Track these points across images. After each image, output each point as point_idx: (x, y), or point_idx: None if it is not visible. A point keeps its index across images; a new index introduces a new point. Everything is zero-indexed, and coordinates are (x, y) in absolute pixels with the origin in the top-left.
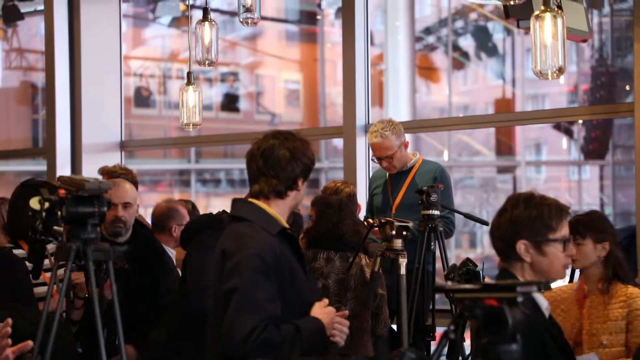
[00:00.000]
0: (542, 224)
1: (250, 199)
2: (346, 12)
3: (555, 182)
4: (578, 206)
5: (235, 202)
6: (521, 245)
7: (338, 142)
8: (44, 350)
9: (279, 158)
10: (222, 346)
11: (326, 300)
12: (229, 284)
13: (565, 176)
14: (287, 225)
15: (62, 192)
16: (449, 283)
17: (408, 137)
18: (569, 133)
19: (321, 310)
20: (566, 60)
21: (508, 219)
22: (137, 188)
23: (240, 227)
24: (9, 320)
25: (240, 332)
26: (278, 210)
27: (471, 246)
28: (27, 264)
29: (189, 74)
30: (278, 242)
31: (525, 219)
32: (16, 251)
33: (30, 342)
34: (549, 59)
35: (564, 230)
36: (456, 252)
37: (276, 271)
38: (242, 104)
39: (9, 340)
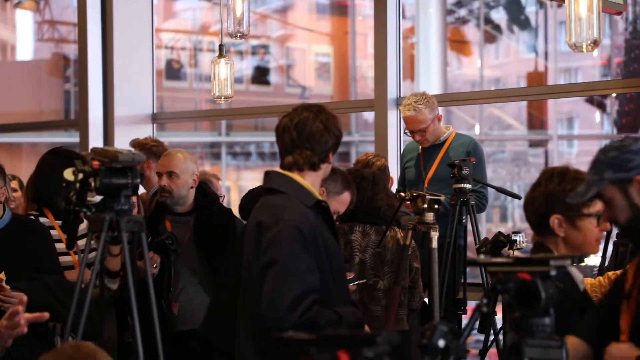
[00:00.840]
0: None
1: (283, 171)
2: None
3: (587, 156)
4: None
5: (268, 174)
6: (555, 220)
7: (368, 116)
8: (76, 324)
9: (313, 131)
10: (265, 320)
11: None
12: (267, 257)
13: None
14: (320, 197)
15: (95, 163)
16: (481, 257)
17: (439, 110)
18: (601, 107)
19: None
20: (601, 33)
21: (542, 193)
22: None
23: (275, 199)
24: (24, 299)
25: (284, 303)
26: (311, 181)
27: (502, 220)
28: (55, 232)
29: (220, 46)
30: (313, 214)
31: (560, 193)
32: (42, 219)
33: (46, 314)
34: (584, 31)
35: (599, 205)
36: (487, 226)
37: (313, 243)
38: (273, 77)
39: (22, 320)
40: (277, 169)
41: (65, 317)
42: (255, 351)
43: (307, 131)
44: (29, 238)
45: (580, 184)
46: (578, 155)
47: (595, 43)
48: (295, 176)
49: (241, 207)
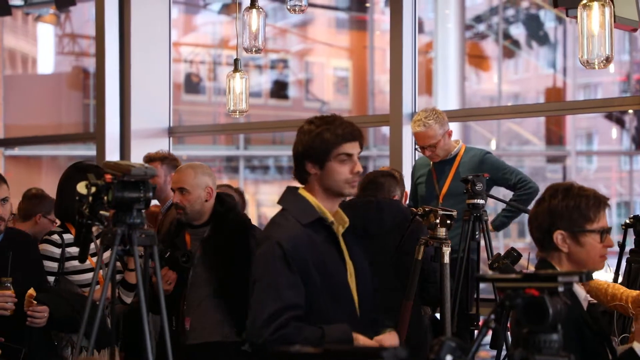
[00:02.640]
0: (579, 214)
1: (298, 187)
2: (394, 0)
3: (606, 172)
4: (629, 197)
5: (285, 190)
6: (558, 236)
7: (387, 130)
8: (88, 337)
9: (294, 144)
10: (246, 334)
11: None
12: (253, 274)
13: (617, 166)
14: (328, 216)
15: (108, 177)
16: (489, 272)
17: (457, 125)
18: (620, 123)
19: (365, 340)
20: (613, 50)
21: (546, 209)
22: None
23: (276, 217)
24: (32, 292)
25: (260, 318)
26: (315, 195)
27: (520, 235)
28: (71, 248)
29: (236, 60)
30: (309, 232)
31: (563, 209)
32: (65, 236)
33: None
34: (596, 48)
35: (602, 221)
36: (505, 242)
37: (300, 261)
38: (292, 91)
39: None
40: (292, 185)
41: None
42: None
43: (294, 145)
44: (21, 253)
45: (584, 200)
46: (597, 171)
47: (608, 60)
48: (303, 192)
49: None
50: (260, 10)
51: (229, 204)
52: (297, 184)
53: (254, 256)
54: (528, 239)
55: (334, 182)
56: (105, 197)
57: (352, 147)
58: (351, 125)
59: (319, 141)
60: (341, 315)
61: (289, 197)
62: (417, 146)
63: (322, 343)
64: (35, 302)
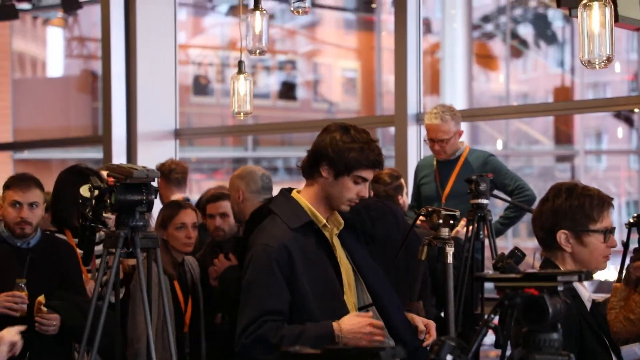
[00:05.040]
0: (583, 214)
1: (294, 191)
2: (399, 1)
3: (615, 171)
4: (638, 195)
5: (279, 192)
6: (562, 235)
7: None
8: (92, 340)
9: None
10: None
11: (369, 314)
12: (243, 279)
13: (626, 165)
14: (319, 219)
15: (110, 180)
16: (489, 272)
17: (465, 125)
18: (629, 121)
19: (350, 319)
20: (614, 50)
21: (550, 209)
22: (186, 177)
23: (266, 221)
24: (41, 299)
25: (240, 326)
26: (307, 198)
27: (529, 235)
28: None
29: (240, 62)
30: (297, 235)
31: (567, 208)
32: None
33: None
34: (597, 48)
35: (606, 221)
36: (514, 241)
37: (285, 266)
38: (300, 92)
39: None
40: (286, 187)
41: (92, 337)
42: None
43: (319, 141)
44: (59, 257)
45: (587, 200)
46: (606, 170)
47: (609, 60)
48: (296, 194)
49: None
50: (264, 12)
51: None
52: (291, 185)
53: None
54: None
55: (338, 195)
56: (108, 200)
57: (371, 174)
58: (380, 154)
59: (348, 156)
60: (327, 317)
61: (280, 200)
62: (426, 139)
63: (299, 340)
64: (45, 309)
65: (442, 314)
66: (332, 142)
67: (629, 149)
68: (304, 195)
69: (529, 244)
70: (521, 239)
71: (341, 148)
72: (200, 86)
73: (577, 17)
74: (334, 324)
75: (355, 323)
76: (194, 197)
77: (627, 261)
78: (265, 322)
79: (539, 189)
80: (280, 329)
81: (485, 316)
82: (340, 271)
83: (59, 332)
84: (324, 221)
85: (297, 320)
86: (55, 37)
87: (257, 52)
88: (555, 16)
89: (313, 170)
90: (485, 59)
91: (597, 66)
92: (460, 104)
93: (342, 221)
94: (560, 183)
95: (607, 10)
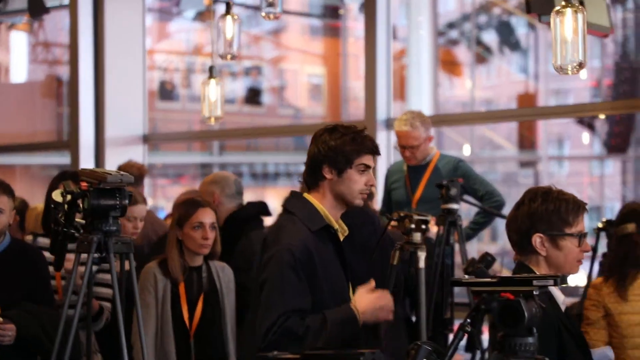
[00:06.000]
0: (558, 218)
1: (304, 193)
2: (369, 7)
3: (577, 177)
4: (600, 201)
5: (290, 194)
6: (537, 239)
7: None
8: (62, 351)
9: (309, 150)
10: (256, 340)
11: (372, 284)
12: (262, 276)
13: (588, 171)
14: (333, 223)
15: (84, 184)
16: (466, 276)
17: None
18: (591, 128)
19: (362, 299)
20: (586, 56)
21: (526, 212)
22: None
23: (284, 220)
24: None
25: (265, 324)
26: (322, 202)
27: (492, 239)
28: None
29: (211, 67)
30: (315, 238)
31: (543, 212)
32: (42, 239)
33: None
34: (569, 54)
35: (580, 226)
36: (478, 246)
37: (308, 267)
38: (266, 98)
39: None
40: (295, 190)
41: (50, 352)
42: None
43: (312, 148)
44: (27, 265)
45: (563, 204)
46: (568, 176)
47: (581, 65)
48: (311, 198)
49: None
50: (235, 17)
51: None
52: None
53: (262, 260)
54: (500, 243)
55: (349, 190)
56: (81, 205)
57: (371, 160)
58: (373, 139)
59: (344, 148)
60: None
61: (296, 202)
62: (396, 145)
63: (324, 327)
64: (0, 319)
65: (413, 318)
66: (324, 143)
67: (591, 154)
68: (315, 200)
69: (492, 249)
70: (484, 243)
71: (335, 145)
72: (166, 91)
73: (547, 23)
74: (352, 306)
75: (368, 302)
76: (159, 203)
77: (596, 266)
78: (288, 318)
79: (503, 195)
80: (304, 320)
81: (462, 321)
82: (348, 274)
83: (16, 342)
84: (337, 225)
85: None
86: (19, 42)
87: (229, 57)
88: (519, 23)
89: (316, 177)
90: (450, 66)
91: (569, 72)
92: (425, 110)
93: (346, 229)
94: (536, 187)
95: (580, 16)
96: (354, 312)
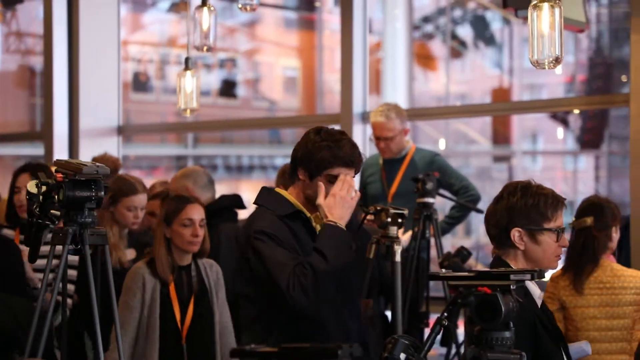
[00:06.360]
0: (537, 212)
1: (277, 188)
2: (345, 0)
3: (551, 172)
4: (573, 196)
5: (260, 190)
6: (515, 233)
7: None
8: (36, 342)
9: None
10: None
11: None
12: (247, 253)
13: (561, 166)
14: (305, 211)
15: (59, 175)
16: (443, 270)
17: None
18: (565, 123)
19: (330, 207)
20: (563, 51)
21: (504, 207)
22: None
23: (253, 214)
24: None
25: (282, 286)
26: (295, 194)
27: (466, 234)
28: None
29: (186, 59)
30: (288, 222)
31: (522, 207)
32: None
33: None
34: (546, 48)
35: (559, 221)
36: (452, 241)
37: (283, 233)
38: (240, 90)
39: None
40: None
41: (23, 343)
42: None
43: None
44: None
45: (542, 198)
46: (542, 171)
47: (557, 60)
48: (283, 191)
49: None
50: (212, 8)
51: None
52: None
53: (240, 240)
54: (474, 237)
55: (315, 197)
56: (57, 196)
57: (345, 172)
58: (353, 149)
59: (317, 156)
60: None
61: (264, 195)
62: (371, 137)
63: (326, 257)
64: None
65: (388, 314)
66: (304, 144)
67: (565, 150)
68: (288, 193)
69: (467, 243)
70: (459, 237)
71: (310, 149)
72: (140, 83)
73: (523, 17)
74: (330, 223)
75: (336, 204)
76: None
77: None
78: (293, 269)
79: (477, 189)
80: (304, 265)
81: (439, 315)
82: None
83: None
84: (310, 214)
85: None
86: None
87: (205, 49)
88: (494, 18)
89: (294, 174)
90: (425, 60)
91: (546, 66)
92: (401, 104)
93: (324, 222)
94: (515, 182)
95: (557, 11)
96: (338, 227)
